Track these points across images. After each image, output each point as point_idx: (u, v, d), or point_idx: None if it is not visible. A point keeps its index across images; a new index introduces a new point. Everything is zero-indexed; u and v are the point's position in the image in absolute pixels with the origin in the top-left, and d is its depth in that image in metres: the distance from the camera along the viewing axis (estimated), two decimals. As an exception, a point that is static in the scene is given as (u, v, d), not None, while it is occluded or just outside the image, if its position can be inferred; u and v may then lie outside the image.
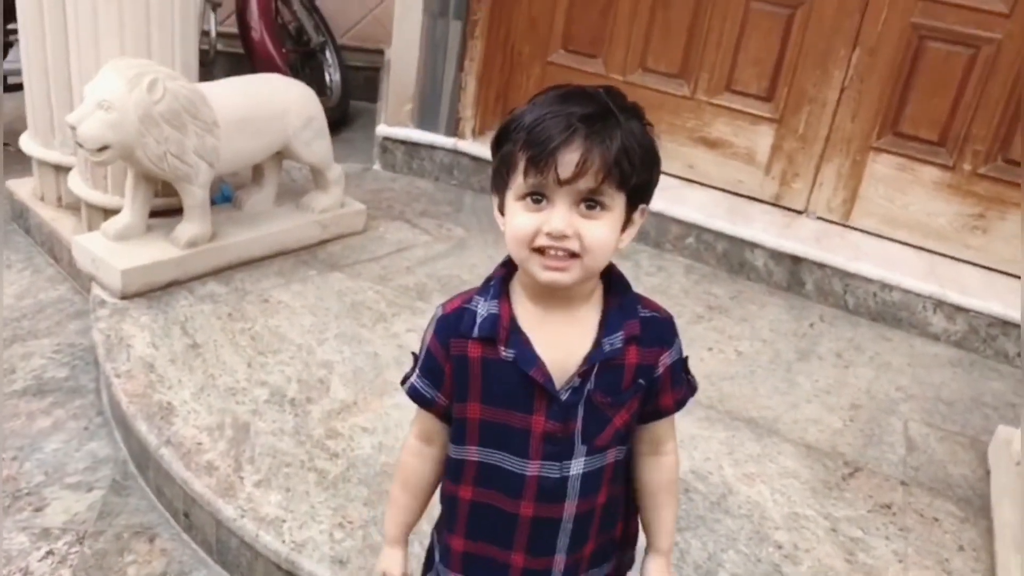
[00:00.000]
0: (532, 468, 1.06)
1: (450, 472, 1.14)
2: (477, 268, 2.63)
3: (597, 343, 1.04)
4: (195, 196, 2.30)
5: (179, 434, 1.82)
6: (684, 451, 1.99)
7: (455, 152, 3.20)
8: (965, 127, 2.64)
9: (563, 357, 1.04)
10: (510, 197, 1.00)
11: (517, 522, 1.09)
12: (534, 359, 1.03)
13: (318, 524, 1.64)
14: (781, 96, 2.86)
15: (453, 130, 3.19)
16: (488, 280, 1.08)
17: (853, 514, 1.88)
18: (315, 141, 2.54)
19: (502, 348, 1.03)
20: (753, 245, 2.79)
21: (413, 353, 1.14)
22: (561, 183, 0.95)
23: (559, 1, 3.10)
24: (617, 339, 1.04)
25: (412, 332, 2.26)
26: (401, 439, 1.88)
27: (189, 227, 2.33)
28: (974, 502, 1.97)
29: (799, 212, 2.93)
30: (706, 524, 1.79)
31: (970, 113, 2.62)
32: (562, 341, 1.04)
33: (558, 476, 1.06)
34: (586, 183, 0.95)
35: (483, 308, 1.05)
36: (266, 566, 1.63)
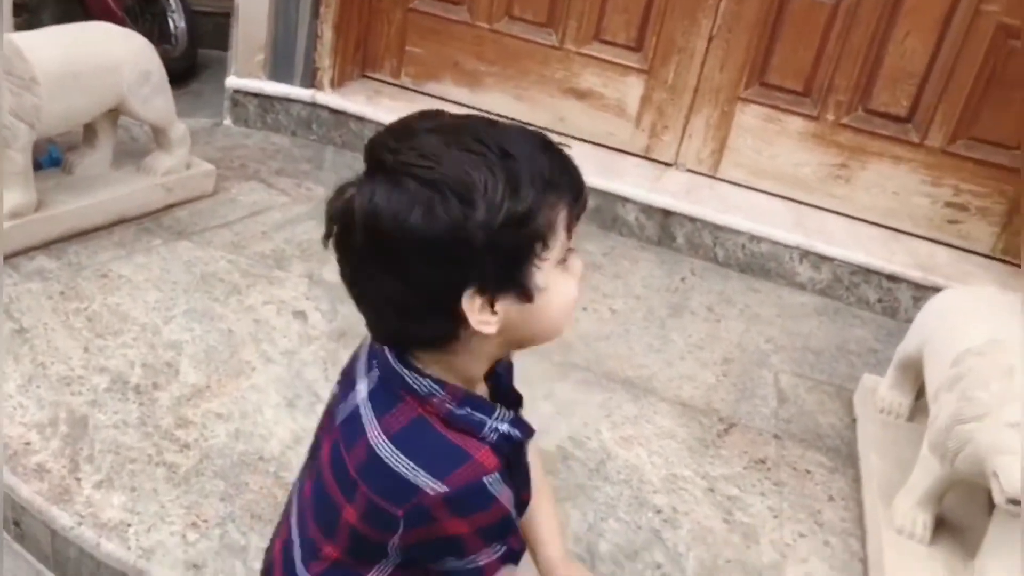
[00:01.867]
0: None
1: None
2: (341, 231, 2.48)
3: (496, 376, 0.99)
4: (15, 161, 2.04)
5: (3, 434, 1.62)
6: (562, 418, 1.95)
7: (313, 105, 3.00)
8: (828, 78, 2.66)
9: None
10: (548, 267, 0.83)
11: None
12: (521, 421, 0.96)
13: (168, 526, 1.49)
14: (650, 46, 2.81)
15: (310, 81, 2.99)
16: (449, 408, 0.86)
17: (729, 472, 1.88)
18: (154, 97, 2.31)
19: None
20: (625, 199, 2.75)
21: (510, 527, 0.90)
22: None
23: (419, -57, 2.93)
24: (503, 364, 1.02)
25: (269, 304, 2.11)
26: (260, 423, 1.75)
27: (10, 196, 2.07)
28: (842, 451, 2.01)
29: (669, 165, 2.90)
30: (585, 492, 1.75)
31: (833, 63, 2.64)
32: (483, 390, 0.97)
33: None
34: None
35: (502, 423, 0.89)
36: (111, 576, 1.47)
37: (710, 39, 2.72)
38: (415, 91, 3.11)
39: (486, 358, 0.90)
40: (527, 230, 0.80)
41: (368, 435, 0.86)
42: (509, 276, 0.82)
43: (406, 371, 0.87)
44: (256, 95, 3.04)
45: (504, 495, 0.86)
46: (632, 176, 2.81)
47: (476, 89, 3.03)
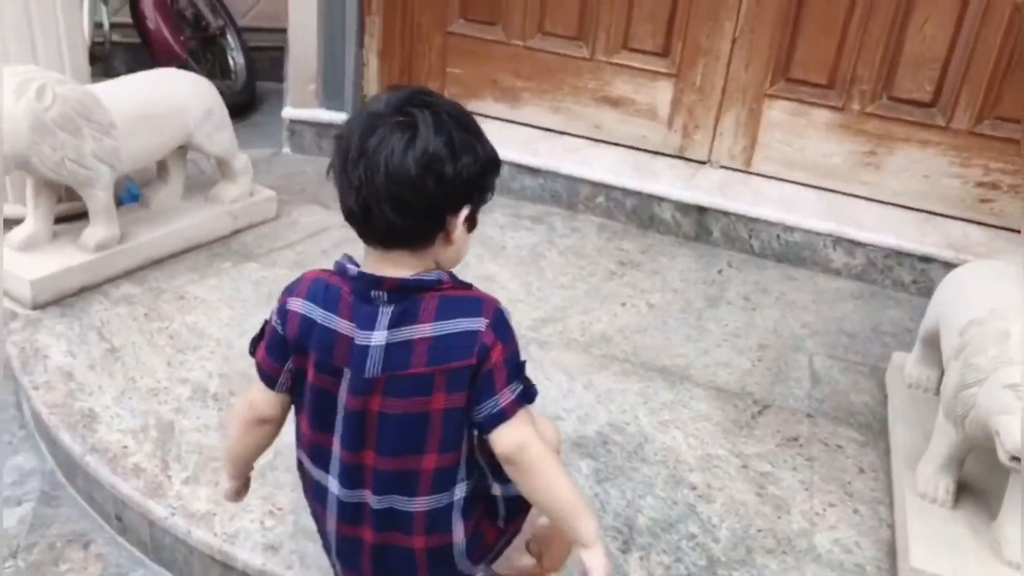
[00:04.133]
0: None
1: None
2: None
3: None
4: (99, 200, 2.28)
5: (103, 440, 1.84)
6: (602, 405, 2.08)
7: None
8: (851, 69, 2.75)
9: None
10: (466, 224, 1.13)
11: None
12: None
13: (248, 514, 1.69)
14: (676, 51, 2.93)
15: (360, 107, 3.19)
16: (453, 278, 1.17)
17: (762, 450, 1.99)
18: (217, 133, 2.53)
19: None
20: (660, 199, 2.88)
21: (522, 366, 1.17)
22: None
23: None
24: None
25: (331, 315, 2.30)
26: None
27: (96, 231, 2.32)
28: (874, 426, 2.10)
29: (703, 163, 3.02)
30: (624, 473, 1.88)
31: (854, 55, 2.73)
32: None
33: None
34: None
35: None
36: (201, 560, 1.67)
37: (734, 40, 2.84)
38: (458, 109, 3.28)
39: (439, 264, 1.17)
40: (492, 182, 1.15)
41: (421, 336, 1.12)
42: (479, 205, 1.14)
43: (414, 280, 1.13)
44: (311, 123, 3.26)
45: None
46: (667, 176, 2.94)
47: (515, 104, 3.20)
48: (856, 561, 1.72)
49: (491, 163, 1.13)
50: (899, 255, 2.66)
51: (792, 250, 2.77)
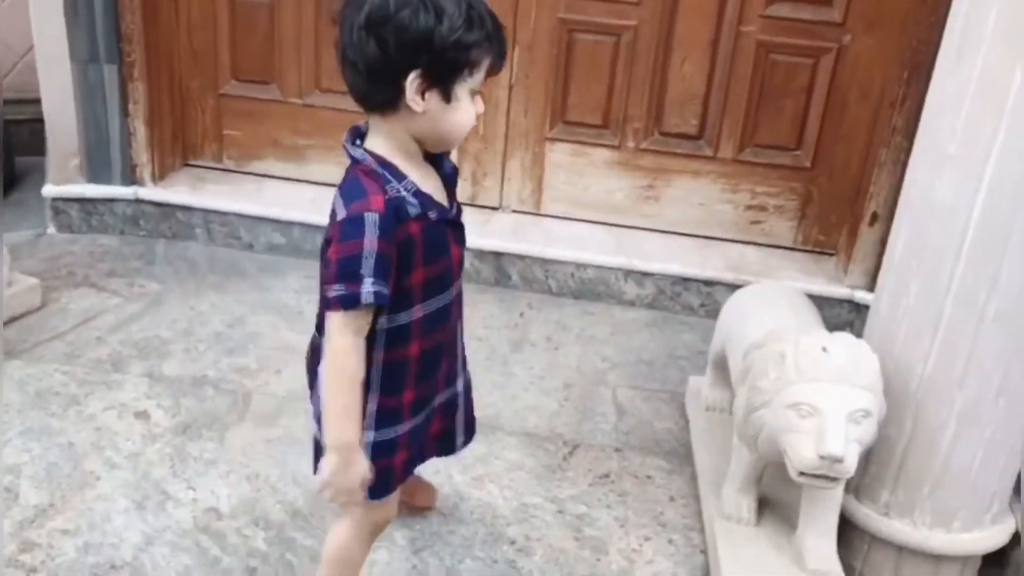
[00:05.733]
0: (452, 293, 1.39)
1: (390, 341, 1.32)
2: (178, 323, 2.49)
3: (444, 176, 1.37)
4: None
5: None
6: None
7: (137, 201, 3.00)
8: (623, 108, 2.87)
9: (439, 195, 1.34)
10: (463, 89, 1.22)
11: (446, 347, 1.44)
12: (444, 208, 1.33)
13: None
14: (457, 100, 2.95)
15: (131, 179, 2.99)
16: (371, 167, 1.25)
17: (576, 491, 2.00)
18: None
19: (430, 213, 1.27)
20: (457, 247, 2.88)
21: (356, 273, 1.21)
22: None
23: (219, 32, 2.99)
24: (449, 166, 1.39)
25: (110, 409, 2.11)
26: (109, 532, 1.75)
27: None
28: (679, 453, 2.17)
29: (495, 208, 3.05)
30: (441, 538, 1.83)
31: (624, 95, 2.85)
32: (434, 184, 1.34)
33: (457, 291, 1.42)
34: None
35: (405, 191, 1.25)
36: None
37: (510, 88, 2.90)
38: (240, 172, 3.16)
39: (416, 135, 1.27)
40: (464, 55, 1.20)
41: (334, 200, 1.28)
42: (441, 78, 1.20)
43: (351, 147, 1.27)
44: (77, 200, 3.01)
45: (374, 241, 1.20)
46: (461, 224, 2.94)
47: (300, 163, 3.11)
48: (674, 592, 1.75)
49: (435, 30, 1.17)
50: (685, 281, 2.79)
51: (587, 286, 2.85)
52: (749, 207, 2.92)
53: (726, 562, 1.72)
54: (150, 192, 3.00)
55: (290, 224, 2.95)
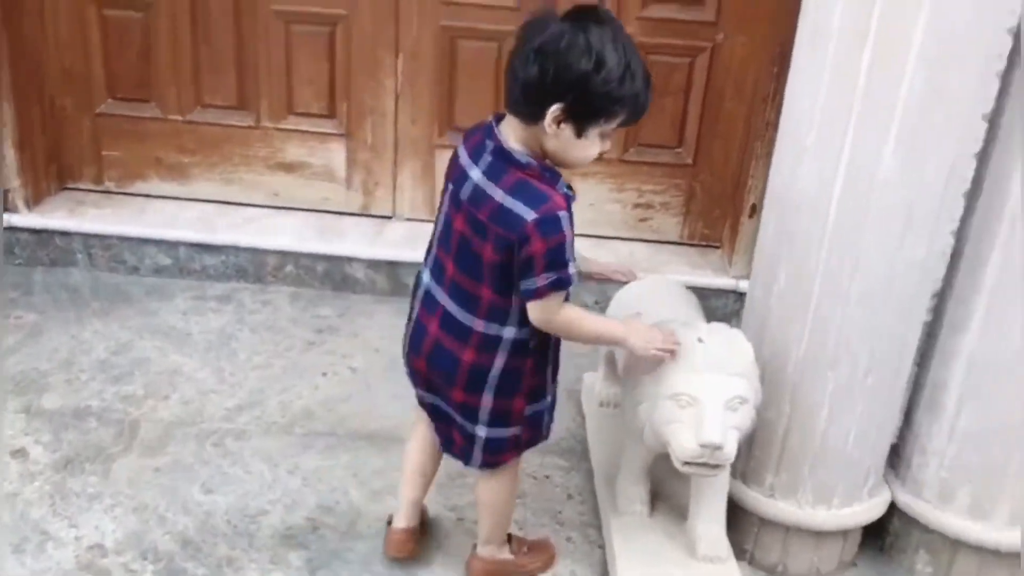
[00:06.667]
0: None
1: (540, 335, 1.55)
2: (59, 353, 2.40)
3: None
4: None
5: None
6: (309, 488, 2.00)
7: (11, 229, 2.87)
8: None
9: None
10: (595, 130, 1.42)
11: None
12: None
13: None
14: (343, 111, 2.92)
15: (2, 206, 2.86)
16: (538, 171, 1.44)
17: (475, 499, 2.00)
18: None
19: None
20: (350, 259, 2.85)
21: (562, 261, 1.43)
22: None
23: (91, 50, 2.88)
24: None
25: (-16, 450, 2.01)
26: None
27: None
28: (577, 450, 2.19)
29: (388, 217, 3.03)
30: (339, 557, 1.81)
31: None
32: None
33: None
34: None
35: (567, 188, 1.49)
36: None
37: (397, 97, 2.88)
38: (121, 193, 3.05)
39: (544, 148, 1.45)
40: (609, 106, 1.39)
41: (493, 195, 1.44)
42: (580, 116, 1.39)
43: (508, 150, 1.44)
44: (-56, 231, 2.87)
45: (568, 232, 1.43)
46: (353, 235, 2.92)
47: (184, 181, 3.02)
48: (574, 589, 1.77)
49: (590, 77, 1.34)
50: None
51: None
52: (636, 205, 2.97)
53: (621, 554, 1.75)
54: (24, 219, 2.88)
55: (176, 244, 2.87)
